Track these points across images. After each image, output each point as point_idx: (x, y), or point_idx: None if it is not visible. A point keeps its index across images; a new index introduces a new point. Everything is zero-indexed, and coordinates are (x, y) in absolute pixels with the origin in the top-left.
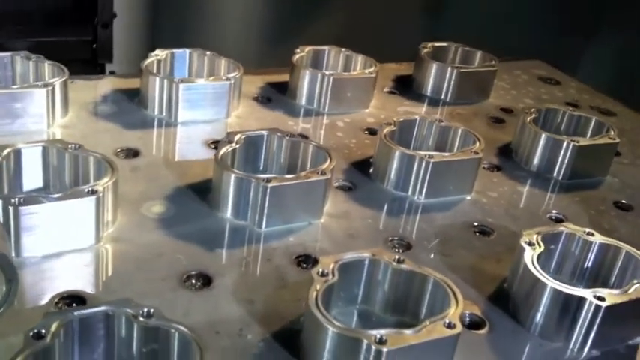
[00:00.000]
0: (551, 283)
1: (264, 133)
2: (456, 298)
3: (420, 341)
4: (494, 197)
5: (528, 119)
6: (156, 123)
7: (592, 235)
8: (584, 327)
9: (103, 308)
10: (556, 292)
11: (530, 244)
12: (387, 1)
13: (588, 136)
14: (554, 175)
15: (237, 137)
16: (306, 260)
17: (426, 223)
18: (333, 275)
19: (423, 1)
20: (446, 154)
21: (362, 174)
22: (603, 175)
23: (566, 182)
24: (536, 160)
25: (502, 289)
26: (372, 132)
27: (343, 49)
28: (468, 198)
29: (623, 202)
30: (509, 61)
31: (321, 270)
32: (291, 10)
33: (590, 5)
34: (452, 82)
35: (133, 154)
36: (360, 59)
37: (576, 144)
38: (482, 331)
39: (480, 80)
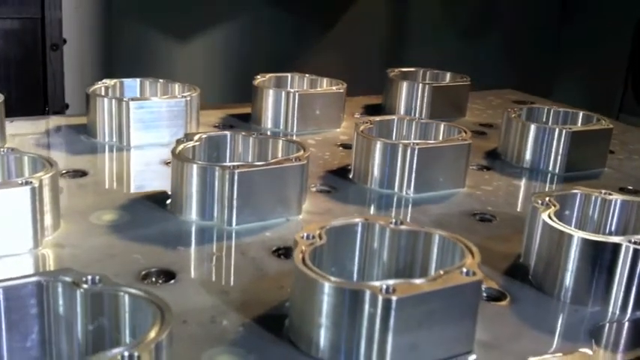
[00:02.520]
0: (579, 234)
1: (227, 132)
2: (471, 251)
3: (435, 289)
4: (490, 190)
5: (514, 115)
6: (107, 148)
7: (610, 194)
8: (624, 281)
9: (34, 279)
10: (586, 244)
11: (543, 203)
12: (350, 49)
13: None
14: (550, 168)
15: (196, 137)
16: (287, 253)
17: (420, 214)
18: (320, 239)
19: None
20: (432, 141)
21: (341, 178)
22: (601, 167)
23: (563, 175)
24: (528, 155)
25: (517, 265)
26: (347, 146)
27: (307, 75)
28: (461, 191)
29: (630, 187)
30: (480, 91)
31: (305, 234)
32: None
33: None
34: (425, 100)
35: (80, 174)
36: (325, 81)
37: (569, 130)
38: (504, 303)
39: (453, 96)
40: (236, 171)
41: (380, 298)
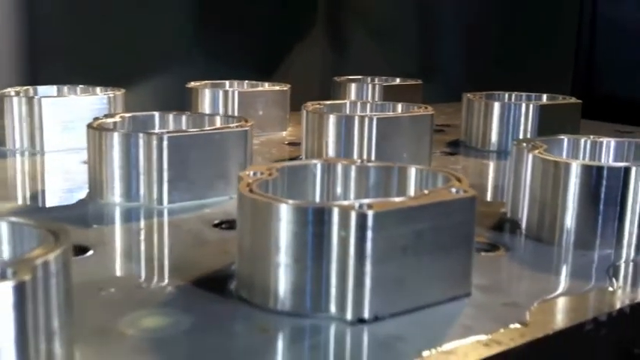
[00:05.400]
0: (578, 162)
1: (156, 112)
2: (458, 179)
3: (420, 204)
4: (459, 169)
5: (476, 97)
6: (17, 155)
7: (599, 137)
8: (637, 215)
9: None
10: (587, 173)
11: (528, 145)
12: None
13: None
14: None
15: (118, 116)
16: (232, 226)
17: None
18: (270, 175)
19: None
20: (391, 113)
21: None
22: None
23: None
24: (493, 137)
25: (505, 220)
26: (295, 144)
27: (246, 81)
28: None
29: None
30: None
31: (251, 172)
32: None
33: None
34: (377, 99)
35: None
36: (267, 84)
37: (537, 104)
38: (497, 253)
39: (405, 96)
40: (165, 136)
41: (353, 214)
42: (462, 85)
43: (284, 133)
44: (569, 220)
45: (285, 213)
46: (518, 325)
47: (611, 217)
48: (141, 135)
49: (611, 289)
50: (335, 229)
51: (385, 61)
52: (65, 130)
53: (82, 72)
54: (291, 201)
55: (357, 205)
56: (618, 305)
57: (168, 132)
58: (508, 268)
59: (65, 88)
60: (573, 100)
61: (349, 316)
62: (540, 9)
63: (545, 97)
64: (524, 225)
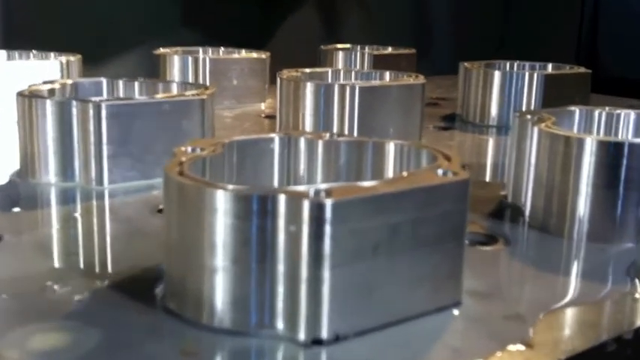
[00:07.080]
0: (592, 137)
1: (103, 79)
2: (447, 157)
3: (396, 190)
4: (453, 144)
5: (475, 65)
6: None
7: (616, 109)
8: None
9: None
10: (604, 150)
11: (533, 117)
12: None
13: None
14: None
15: (58, 82)
16: None
17: None
18: (214, 151)
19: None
20: (376, 81)
21: None
22: None
23: None
24: (493, 110)
25: (505, 206)
26: (274, 117)
27: (222, 48)
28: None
29: None
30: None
31: (189, 147)
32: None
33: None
34: (365, 69)
35: None
36: (244, 51)
37: (543, 73)
38: (495, 247)
39: (398, 66)
40: (103, 104)
41: (305, 204)
42: (460, 59)
43: (262, 106)
44: (582, 206)
45: (221, 202)
46: (521, 347)
47: (632, 204)
48: (75, 103)
49: (637, 295)
50: (281, 222)
51: (377, 32)
52: (8, 100)
53: (46, 40)
54: (230, 186)
55: (311, 191)
56: None
57: (107, 100)
58: (508, 266)
59: (16, 54)
60: (582, 69)
61: (302, 335)
62: None
63: (550, 66)
64: (527, 212)
